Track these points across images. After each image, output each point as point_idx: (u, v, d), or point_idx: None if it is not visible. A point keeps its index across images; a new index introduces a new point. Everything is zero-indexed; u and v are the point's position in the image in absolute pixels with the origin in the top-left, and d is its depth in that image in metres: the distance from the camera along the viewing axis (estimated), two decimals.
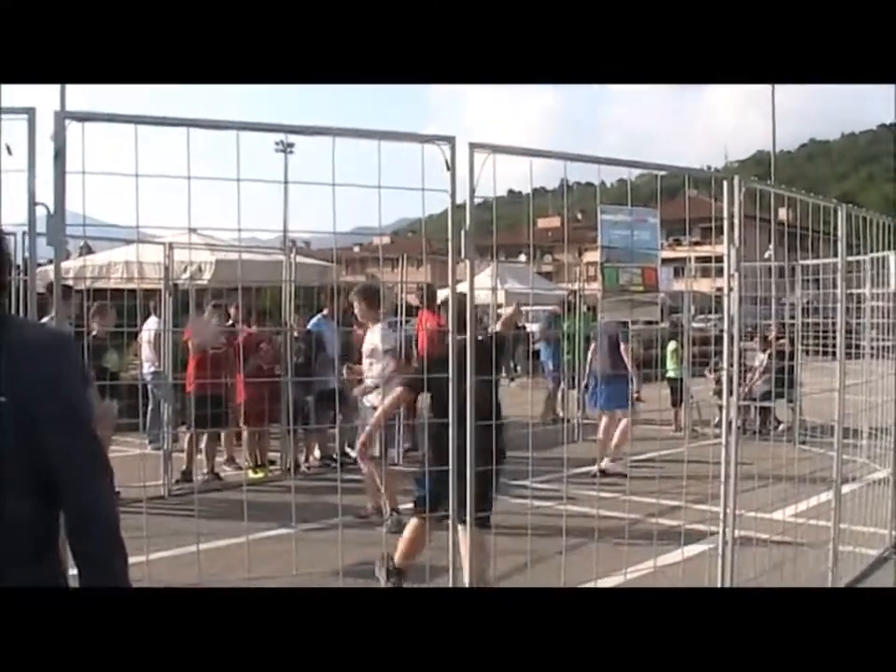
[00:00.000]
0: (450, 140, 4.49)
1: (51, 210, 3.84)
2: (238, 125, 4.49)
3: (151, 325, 12.19)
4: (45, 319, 8.10)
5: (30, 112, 3.84)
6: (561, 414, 17.06)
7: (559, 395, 17.66)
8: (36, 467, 2.56)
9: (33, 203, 3.82)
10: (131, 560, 2.69)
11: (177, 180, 4.39)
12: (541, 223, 73.34)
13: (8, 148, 3.95)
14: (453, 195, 4.52)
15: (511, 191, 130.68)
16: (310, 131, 4.80)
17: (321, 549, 7.60)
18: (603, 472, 12.15)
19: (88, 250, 20.87)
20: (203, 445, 11.94)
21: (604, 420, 12.92)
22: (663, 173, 6.52)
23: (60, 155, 3.85)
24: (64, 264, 13.33)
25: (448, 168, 4.49)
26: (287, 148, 51.87)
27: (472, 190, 4.52)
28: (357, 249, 53.75)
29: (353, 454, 12.52)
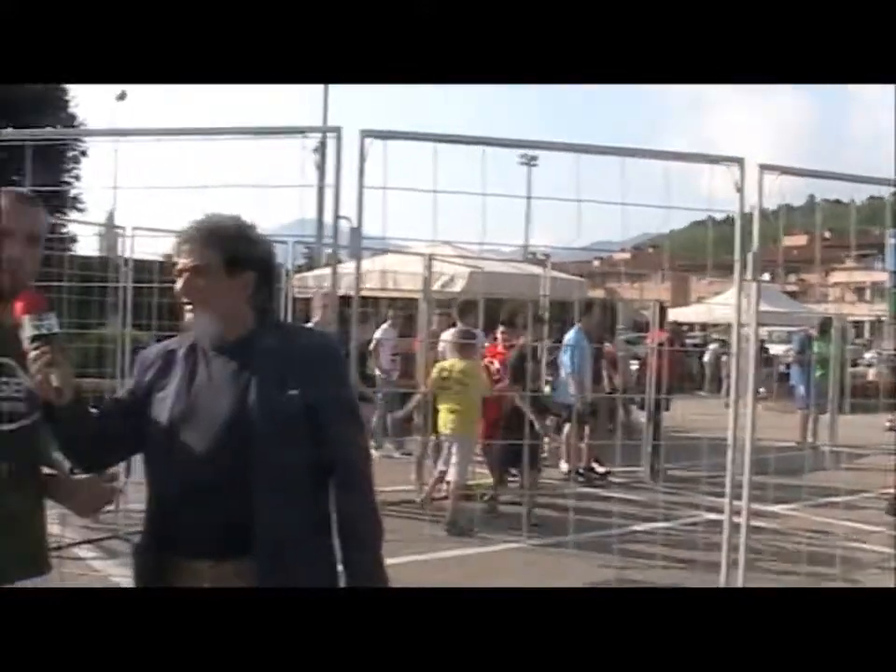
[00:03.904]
0: (739, 161, 4.44)
1: (353, 223, 4.04)
2: (513, 143, 4.60)
3: (383, 333, 12.50)
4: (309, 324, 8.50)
5: (337, 131, 4.05)
6: (811, 440, 16.50)
7: (810, 420, 17.05)
8: (314, 452, 2.81)
9: (337, 217, 4.04)
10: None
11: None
12: (786, 241, 71.03)
13: (316, 164, 4.17)
14: (741, 215, 4.48)
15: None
16: (592, 149, 4.83)
17: (568, 562, 7.62)
18: None
19: (336, 260, 21.52)
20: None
21: None
22: None
23: (362, 172, 4.04)
24: (320, 272, 13.92)
25: (738, 189, 4.44)
26: (530, 161, 52.22)
27: (760, 210, 4.48)
28: (596, 263, 53.48)
29: (600, 469, 12.53)
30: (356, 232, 4.07)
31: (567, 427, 12.31)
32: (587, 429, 12.50)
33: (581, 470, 12.49)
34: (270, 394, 2.78)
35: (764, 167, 4.47)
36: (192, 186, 5.00)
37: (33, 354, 2.69)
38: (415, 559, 7.19)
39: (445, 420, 9.51)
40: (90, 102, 40.82)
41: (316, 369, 2.86)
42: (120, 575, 6.98)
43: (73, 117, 37.89)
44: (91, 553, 7.86)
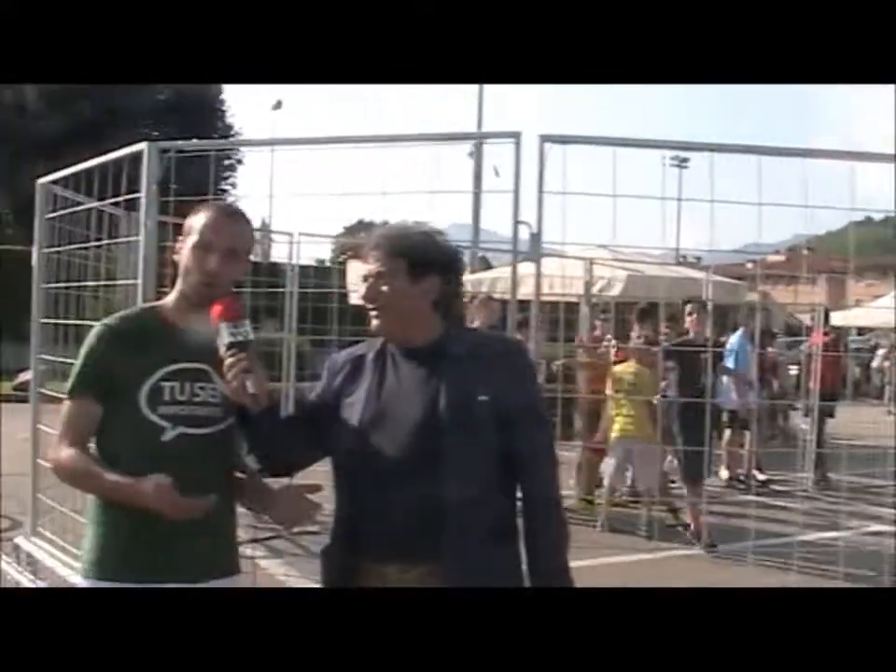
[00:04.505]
0: None
1: (533, 228, 4.04)
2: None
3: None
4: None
5: (516, 136, 4.06)
6: None
7: None
8: (504, 458, 2.83)
9: (516, 222, 4.05)
10: None
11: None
12: None
13: (496, 170, 4.19)
14: None
15: None
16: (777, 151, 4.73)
17: (733, 571, 7.45)
18: None
19: (486, 264, 21.63)
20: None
21: None
22: None
23: (541, 176, 4.04)
24: (476, 276, 13.97)
25: None
26: (681, 163, 51.49)
27: None
28: (749, 266, 52.16)
29: (761, 476, 12.27)
30: (535, 238, 4.07)
31: (727, 434, 12.11)
32: (747, 436, 12.27)
33: (741, 478, 12.26)
34: (461, 400, 2.80)
35: None
36: (354, 193, 5.08)
37: (229, 360, 2.77)
38: (586, 564, 7.14)
39: (623, 425, 9.50)
40: (246, 111, 41.96)
41: (507, 375, 2.87)
42: (285, 574, 7.14)
43: (230, 126, 39.03)
44: (256, 551, 8.04)
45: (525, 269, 14.50)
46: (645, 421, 9.56)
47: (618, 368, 9.78)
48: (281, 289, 9.28)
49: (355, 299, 9.28)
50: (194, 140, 5.71)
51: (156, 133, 30.25)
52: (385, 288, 2.88)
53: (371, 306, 2.92)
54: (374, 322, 2.94)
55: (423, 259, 2.91)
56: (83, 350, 2.98)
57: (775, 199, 4.61)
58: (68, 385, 2.97)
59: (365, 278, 2.93)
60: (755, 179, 4.86)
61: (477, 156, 13.96)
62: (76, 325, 5.63)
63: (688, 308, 9.98)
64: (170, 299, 3.08)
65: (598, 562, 7.60)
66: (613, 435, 9.60)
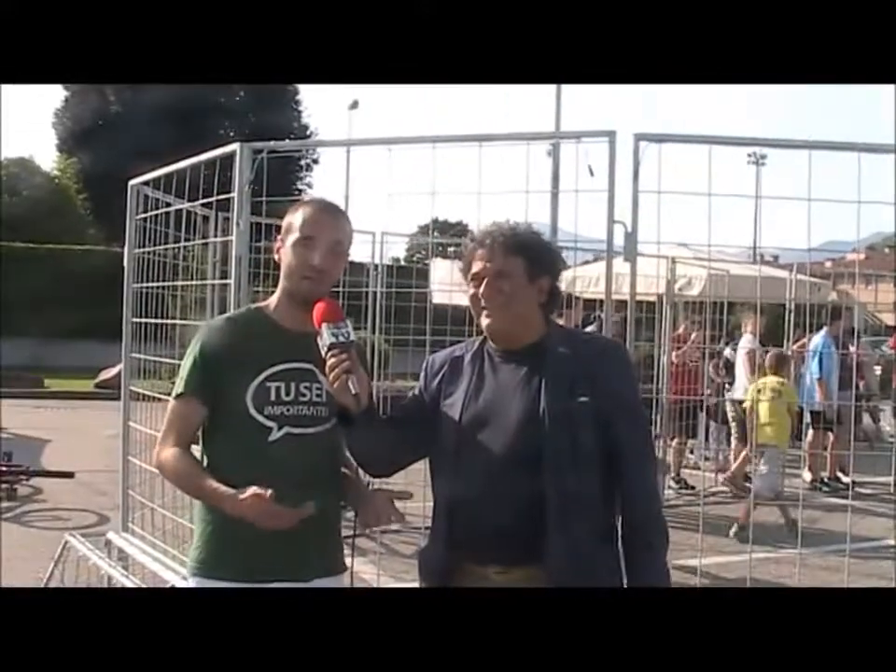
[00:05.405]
0: None
1: (629, 228, 4.01)
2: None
3: None
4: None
5: (610, 135, 4.04)
6: None
7: None
8: (604, 458, 2.81)
9: (611, 222, 4.02)
10: None
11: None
12: None
13: (590, 169, 4.16)
14: None
15: None
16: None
17: (822, 576, 7.31)
18: None
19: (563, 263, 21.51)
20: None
21: None
22: None
23: (636, 175, 4.00)
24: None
25: None
26: (759, 160, 51.03)
27: None
28: (828, 265, 51.36)
29: (845, 479, 12.06)
30: (630, 237, 4.03)
31: (809, 435, 11.92)
32: (830, 437, 12.07)
33: (826, 480, 12.05)
34: (561, 400, 2.78)
35: None
36: (446, 192, 5.06)
37: (331, 361, 2.77)
38: (682, 563, 7.05)
39: (770, 432, 9.49)
40: (322, 111, 42.21)
41: (607, 375, 2.84)
42: (372, 573, 7.16)
43: (305, 127, 39.32)
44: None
45: (602, 268, 14.41)
46: (784, 428, 9.70)
47: (763, 379, 9.78)
48: (365, 289, 9.26)
49: (438, 298, 9.26)
50: (287, 141, 5.72)
51: (232, 134, 30.63)
52: (505, 288, 2.86)
53: (484, 305, 2.90)
54: (486, 321, 2.89)
55: (539, 259, 2.91)
56: (189, 351, 2.99)
57: (852, 195, 4.52)
58: (176, 385, 2.99)
59: (478, 277, 2.90)
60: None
61: (555, 155, 13.85)
62: (164, 324, 5.70)
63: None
64: (273, 299, 3.08)
65: (686, 563, 7.51)
66: (763, 441, 9.59)
